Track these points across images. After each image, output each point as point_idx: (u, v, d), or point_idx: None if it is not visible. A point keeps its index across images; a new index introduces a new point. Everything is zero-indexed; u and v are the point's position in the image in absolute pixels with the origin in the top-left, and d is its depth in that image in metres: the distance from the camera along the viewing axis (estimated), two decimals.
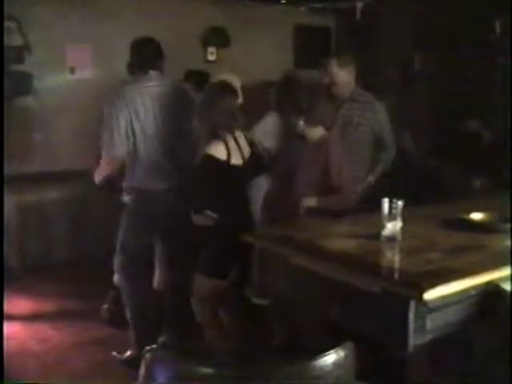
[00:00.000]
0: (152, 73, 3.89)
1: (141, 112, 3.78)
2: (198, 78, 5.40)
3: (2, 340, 3.47)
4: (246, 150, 3.65)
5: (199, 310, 3.67)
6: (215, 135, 3.49)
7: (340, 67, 4.25)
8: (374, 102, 4.38)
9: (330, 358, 1.88)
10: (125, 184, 4.00)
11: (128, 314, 4.02)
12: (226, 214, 3.51)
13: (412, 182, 4.74)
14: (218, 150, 3.45)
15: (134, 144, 3.81)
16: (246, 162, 3.61)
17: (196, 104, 3.77)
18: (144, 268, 4.12)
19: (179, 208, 3.84)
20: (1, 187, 4.57)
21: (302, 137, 3.66)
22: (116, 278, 4.64)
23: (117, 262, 4.21)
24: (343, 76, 4.25)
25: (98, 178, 3.92)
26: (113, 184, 4.07)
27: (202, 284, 3.57)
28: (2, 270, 3.92)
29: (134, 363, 3.29)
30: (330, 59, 4.29)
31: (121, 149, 3.79)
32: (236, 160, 3.53)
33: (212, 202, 3.54)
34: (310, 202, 3.52)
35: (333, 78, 4.20)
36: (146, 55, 3.94)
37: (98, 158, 3.92)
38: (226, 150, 3.46)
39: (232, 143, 3.53)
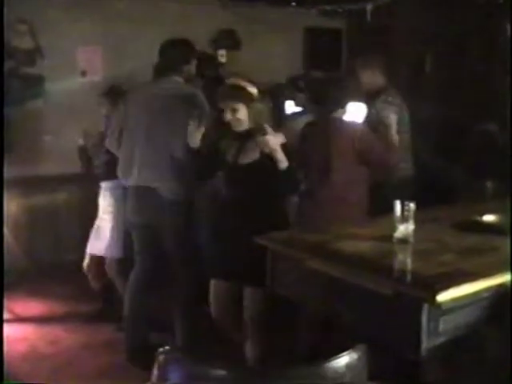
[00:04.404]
0: (169, 76, 3.96)
1: (136, 115, 3.94)
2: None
3: (2, 340, 3.46)
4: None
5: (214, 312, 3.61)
6: None
7: (363, 68, 4.30)
8: (402, 105, 4.44)
9: (343, 360, 1.88)
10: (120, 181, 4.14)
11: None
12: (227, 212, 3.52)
13: (424, 184, 4.72)
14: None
15: (128, 144, 3.97)
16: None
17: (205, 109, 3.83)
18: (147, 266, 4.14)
19: (174, 208, 3.88)
20: (1, 188, 4.59)
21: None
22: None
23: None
24: (367, 76, 4.29)
25: None
26: None
27: (213, 286, 3.55)
28: (2, 269, 3.92)
29: None
30: (355, 59, 4.38)
31: (112, 148, 4.18)
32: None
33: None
34: None
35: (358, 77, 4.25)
36: (169, 58, 4.00)
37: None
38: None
39: None
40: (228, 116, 3.36)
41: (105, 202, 4.59)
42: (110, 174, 4.29)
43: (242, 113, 3.35)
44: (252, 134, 3.36)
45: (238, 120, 3.36)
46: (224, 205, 3.53)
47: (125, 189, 4.16)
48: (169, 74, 3.97)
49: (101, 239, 4.59)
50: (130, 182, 4.00)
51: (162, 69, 4.04)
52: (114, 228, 4.51)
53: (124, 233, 4.41)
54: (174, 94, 3.91)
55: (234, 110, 3.34)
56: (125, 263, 4.52)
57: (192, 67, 4.08)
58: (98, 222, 4.66)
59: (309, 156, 3.83)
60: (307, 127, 4.10)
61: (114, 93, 4.61)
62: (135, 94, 4.11)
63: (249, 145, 3.40)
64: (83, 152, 4.91)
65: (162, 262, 4.07)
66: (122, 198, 4.33)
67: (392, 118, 4.36)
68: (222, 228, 3.56)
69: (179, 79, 3.99)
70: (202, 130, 3.48)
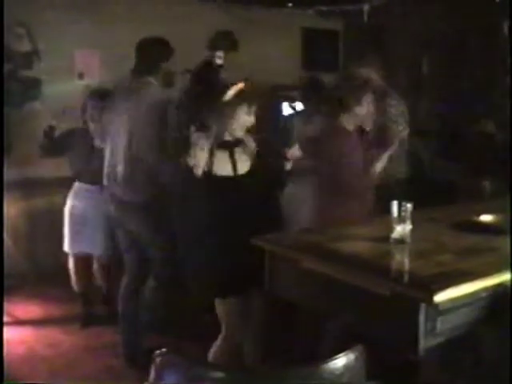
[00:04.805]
0: (143, 77, 3.84)
1: (106, 117, 4.00)
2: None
3: (2, 341, 3.46)
4: None
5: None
6: None
7: (361, 67, 4.29)
8: (400, 102, 4.44)
9: (341, 361, 1.87)
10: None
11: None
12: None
13: (421, 184, 4.73)
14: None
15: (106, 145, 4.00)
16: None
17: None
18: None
19: (139, 212, 3.86)
20: (1, 192, 4.59)
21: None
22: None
23: None
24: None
25: None
26: None
27: (223, 304, 3.31)
28: (2, 272, 3.92)
29: None
30: (354, 61, 4.37)
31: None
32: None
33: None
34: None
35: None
36: (144, 58, 3.86)
37: None
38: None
39: None
40: (245, 117, 3.19)
41: (82, 201, 4.63)
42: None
43: (252, 116, 3.25)
44: (243, 140, 3.28)
45: (246, 123, 3.23)
46: (223, 220, 3.25)
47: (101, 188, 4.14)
48: (143, 74, 3.82)
49: (85, 238, 4.61)
50: (105, 182, 4.01)
51: (137, 69, 3.87)
52: (98, 225, 4.53)
53: (109, 230, 4.37)
54: (143, 99, 3.77)
55: (248, 113, 3.22)
56: (110, 261, 4.63)
57: (169, 67, 3.90)
58: (75, 221, 4.67)
59: (308, 157, 3.82)
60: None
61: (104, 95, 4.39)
62: (112, 95, 4.06)
63: (242, 151, 3.28)
64: (51, 134, 4.68)
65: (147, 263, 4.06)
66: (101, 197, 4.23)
67: (399, 125, 4.34)
68: (227, 242, 3.24)
69: (153, 80, 3.83)
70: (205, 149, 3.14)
